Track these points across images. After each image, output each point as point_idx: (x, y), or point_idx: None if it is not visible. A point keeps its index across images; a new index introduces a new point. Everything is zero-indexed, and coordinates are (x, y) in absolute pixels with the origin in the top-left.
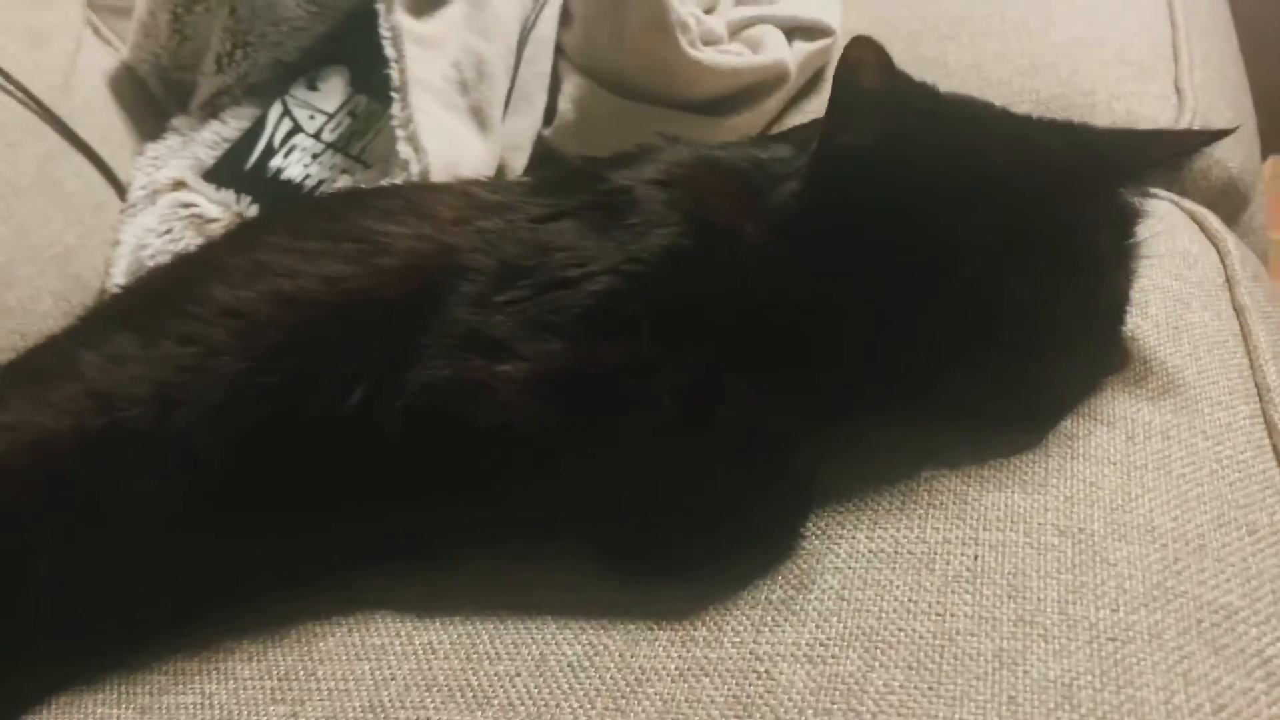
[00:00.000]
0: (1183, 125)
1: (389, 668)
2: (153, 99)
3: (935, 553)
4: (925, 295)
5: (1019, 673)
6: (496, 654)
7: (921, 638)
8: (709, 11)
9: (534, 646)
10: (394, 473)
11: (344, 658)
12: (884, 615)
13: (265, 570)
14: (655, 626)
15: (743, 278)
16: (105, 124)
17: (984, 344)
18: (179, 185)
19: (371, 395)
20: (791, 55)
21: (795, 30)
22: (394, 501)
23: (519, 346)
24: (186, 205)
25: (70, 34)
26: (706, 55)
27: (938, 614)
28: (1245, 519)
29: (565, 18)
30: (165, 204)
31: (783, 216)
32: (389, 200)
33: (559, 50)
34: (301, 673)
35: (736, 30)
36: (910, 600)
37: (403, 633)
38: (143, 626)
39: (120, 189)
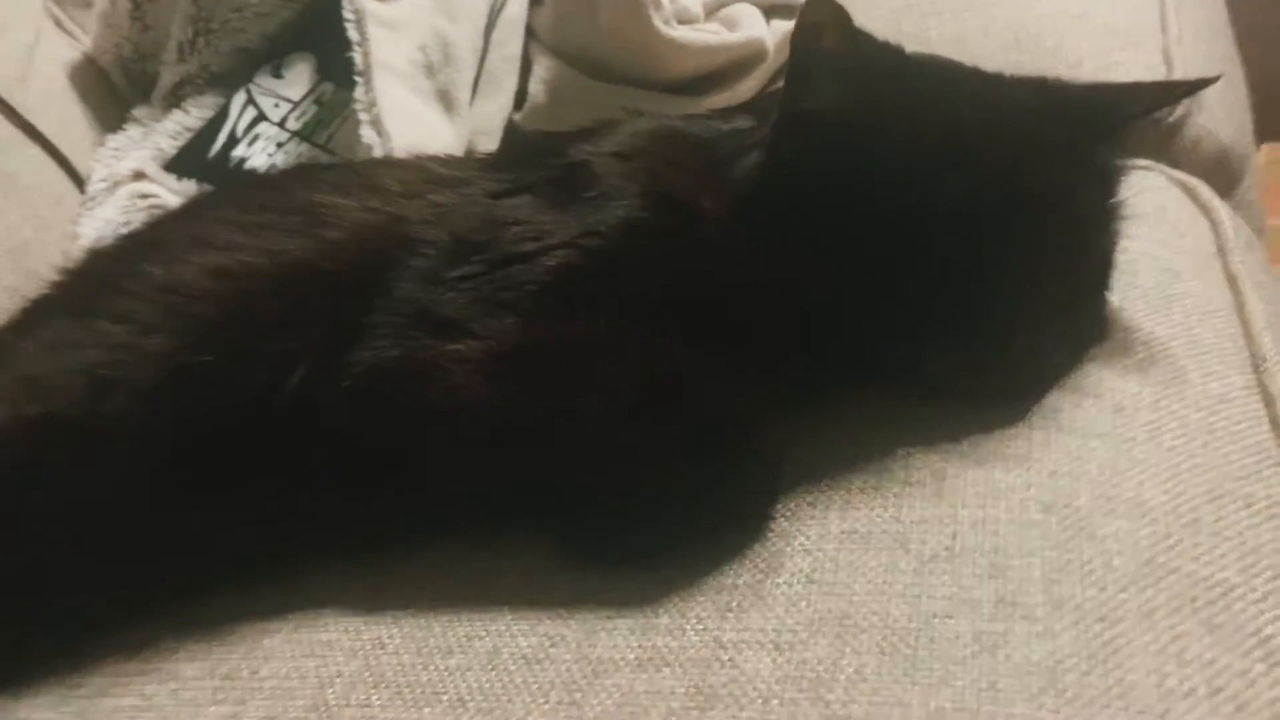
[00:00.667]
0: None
1: (335, 665)
2: (115, 91)
3: (910, 533)
4: (896, 267)
5: (1000, 656)
6: (448, 648)
7: (896, 621)
8: None
9: (487, 639)
10: (339, 458)
11: (289, 655)
12: (856, 598)
13: (209, 563)
14: (615, 615)
15: (704, 252)
16: (64, 116)
17: (960, 317)
18: (139, 176)
19: (314, 376)
20: (770, 33)
21: (774, 9)
22: (340, 489)
23: (471, 325)
24: (146, 196)
25: (28, 25)
26: (681, 33)
27: (914, 596)
28: (1241, 492)
29: None
30: (125, 195)
31: (745, 189)
32: (339, 174)
33: (529, 32)
34: (245, 672)
35: (713, 9)
36: (884, 582)
37: (350, 628)
38: (82, 624)
39: (80, 181)
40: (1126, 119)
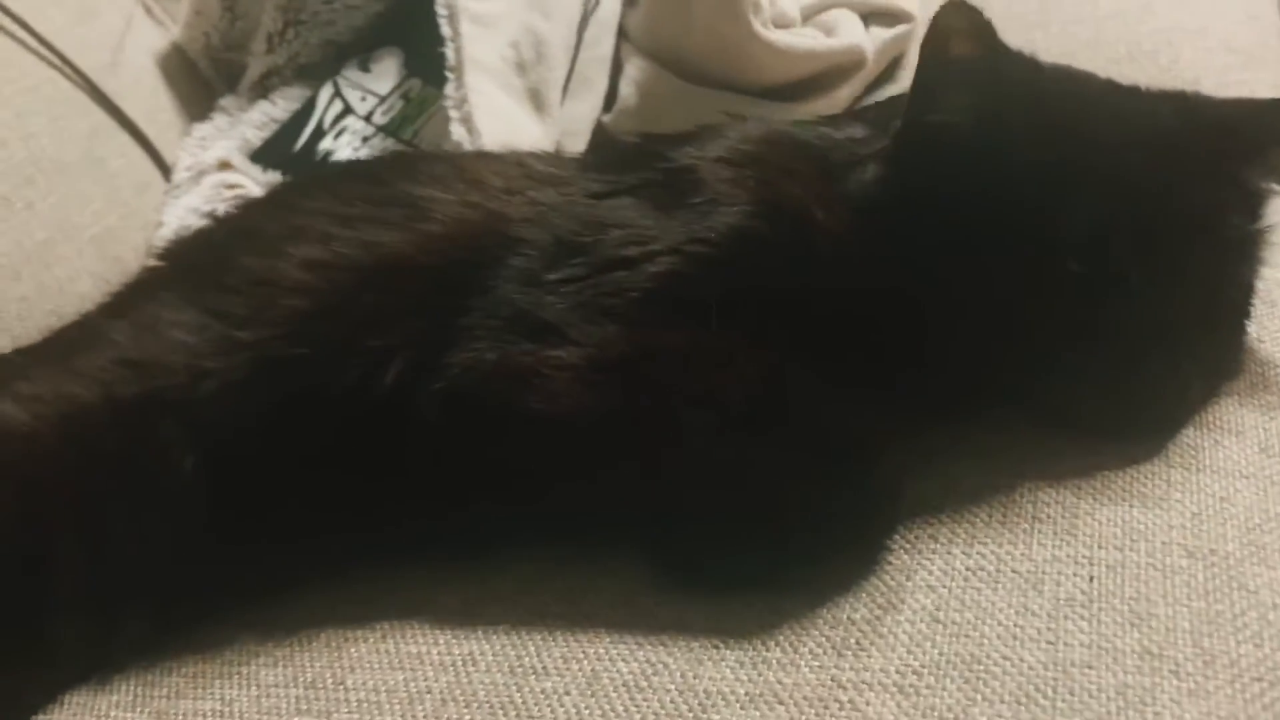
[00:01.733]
0: None
1: (425, 679)
2: (203, 80)
3: (1044, 572)
4: (1024, 290)
5: (1148, 714)
6: (543, 668)
7: (1031, 668)
8: None
9: (585, 662)
10: (432, 462)
11: (376, 666)
12: (986, 642)
13: (295, 563)
14: (722, 645)
15: (818, 264)
16: (153, 103)
17: (1091, 344)
18: (225, 166)
19: (408, 374)
20: (869, 40)
21: (872, 15)
22: (431, 493)
23: (573, 331)
24: (231, 186)
25: (119, 11)
26: (779, 37)
27: (1049, 642)
28: None
29: None
30: (210, 184)
31: (861, 201)
32: (437, 165)
33: (622, 33)
34: (330, 681)
35: (810, 15)
36: (1016, 625)
37: (441, 641)
38: (166, 617)
39: (165, 169)
40: (1275, 139)
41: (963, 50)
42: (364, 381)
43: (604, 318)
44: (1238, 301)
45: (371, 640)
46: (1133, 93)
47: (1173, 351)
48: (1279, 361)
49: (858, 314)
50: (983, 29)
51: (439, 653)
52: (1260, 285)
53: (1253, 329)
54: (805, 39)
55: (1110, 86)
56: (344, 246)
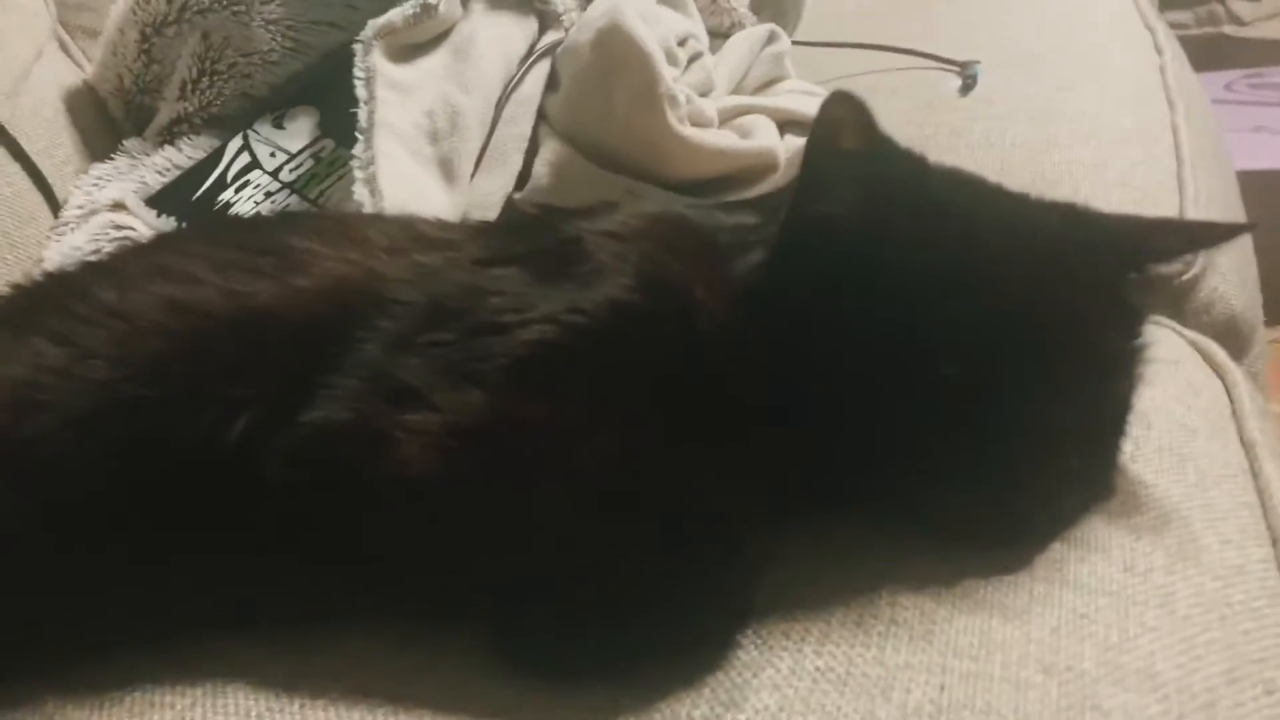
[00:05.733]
0: (1190, 258)
1: None
2: (109, 121)
3: (894, 678)
4: (898, 390)
5: None
6: None
7: None
8: (703, 95)
9: None
10: (274, 523)
11: None
12: None
13: (116, 616)
14: None
15: (694, 344)
16: (51, 138)
17: (961, 450)
18: (118, 207)
19: (259, 428)
20: (782, 147)
21: (789, 124)
22: (268, 556)
23: (433, 395)
24: (120, 228)
25: (29, 42)
26: (693, 133)
27: None
28: (1261, 675)
29: (552, 82)
30: (97, 224)
31: (744, 284)
32: (323, 221)
33: (541, 114)
34: None
35: (729, 117)
36: None
37: (254, 712)
38: None
39: (56, 205)
40: (1157, 256)
41: (851, 142)
42: (214, 431)
43: (468, 383)
44: (1113, 417)
45: (181, 706)
46: (1020, 199)
47: (1044, 463)
48: (1150, 485)
49: (730, 397)
50: (867, 121)
51: None
52: (1136, 404)
53: (1127, 448)
54: (719, 137)
55: (997, 191)
56: (209, 291)
